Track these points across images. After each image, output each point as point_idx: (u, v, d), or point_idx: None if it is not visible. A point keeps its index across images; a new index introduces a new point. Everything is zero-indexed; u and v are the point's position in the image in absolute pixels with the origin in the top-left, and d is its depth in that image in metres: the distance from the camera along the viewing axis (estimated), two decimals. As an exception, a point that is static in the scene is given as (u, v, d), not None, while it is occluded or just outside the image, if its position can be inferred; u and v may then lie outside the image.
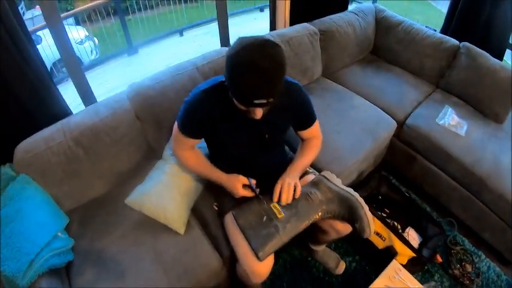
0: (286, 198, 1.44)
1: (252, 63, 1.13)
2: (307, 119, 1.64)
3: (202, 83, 1.48)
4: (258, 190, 1.51)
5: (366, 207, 1.44)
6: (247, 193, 1.51)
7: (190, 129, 1.50)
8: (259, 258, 1.34)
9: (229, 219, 1.57)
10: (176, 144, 1.61)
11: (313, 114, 1.65)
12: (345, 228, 1.59)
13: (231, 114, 1.42)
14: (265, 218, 1.42)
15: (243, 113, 1.35)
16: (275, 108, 1.40)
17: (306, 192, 1.49)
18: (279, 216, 1.42)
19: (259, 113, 1.28)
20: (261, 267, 1.40)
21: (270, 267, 1.44)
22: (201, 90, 1.43)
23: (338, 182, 1.56)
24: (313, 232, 1.87)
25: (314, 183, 1.56)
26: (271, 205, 1.46)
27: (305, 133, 1.68)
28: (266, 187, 1.51)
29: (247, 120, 1.39)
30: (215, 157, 1.72)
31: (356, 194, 1.48)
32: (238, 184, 1.50)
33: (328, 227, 1.64)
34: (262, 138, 1.53)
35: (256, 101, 1.19)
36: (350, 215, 1.45)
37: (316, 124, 1.68)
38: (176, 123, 1.52)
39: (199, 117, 1.44)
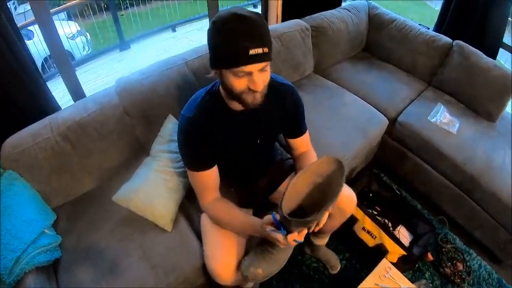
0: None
1: (237, 15, 1.08)
2: (299, 125, 1.58)
3: (185, 108, 1.38)
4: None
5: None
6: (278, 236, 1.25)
7: (199, 159, 1.39)
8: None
9: (205, 216, 1.56)
10: (200, 193, 1.47)
11: (305, 122, 1.60)
12: (348, 205, 1.58)
13: (222, 124, 1.37)
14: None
15: (234, 116, 1.35)
16: (267, 110, 1.38)
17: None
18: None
19: (258, 79, 1.15)
20: (221, 271, 1.40)
21: (231, 273, 1.42)
22: (188, 117, 1.34)
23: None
24: None
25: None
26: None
27: (297, 142, 1.61)
28: (254, 185, 1.46)
29: (240, 127, 1.39)
30: None
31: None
32: (263, 228, 1.30)
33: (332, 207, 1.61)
34: (254, 143, 1.49)
35: (252, 51, 1.07)
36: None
37: (308, 135, 1.63)
38: (187, 169, 1.43)
39: (198, 139, 1.35)
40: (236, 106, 1.33)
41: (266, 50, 1.11)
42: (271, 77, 1.32)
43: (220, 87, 1.32)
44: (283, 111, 1.47)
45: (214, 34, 1.13)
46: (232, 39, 1.08)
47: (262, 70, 1.15)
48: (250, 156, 1.54)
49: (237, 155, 1.49)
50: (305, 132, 1.61)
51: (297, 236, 1.21)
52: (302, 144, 1.62)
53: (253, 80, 1.14)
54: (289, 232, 1.20)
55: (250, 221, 1.38)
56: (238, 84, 1.17)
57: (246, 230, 1.42)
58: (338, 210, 1.59)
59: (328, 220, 1.73)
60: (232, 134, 1.40)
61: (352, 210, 1.63)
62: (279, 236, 1.22)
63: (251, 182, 1.61)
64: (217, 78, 1.27)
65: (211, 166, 1.41)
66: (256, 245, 1.37)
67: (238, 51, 1.09)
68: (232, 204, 1.46)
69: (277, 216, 1.23)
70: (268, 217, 1.30)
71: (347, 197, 1.58)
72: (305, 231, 1.23)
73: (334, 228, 1.84)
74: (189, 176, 1.46)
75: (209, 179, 1.43)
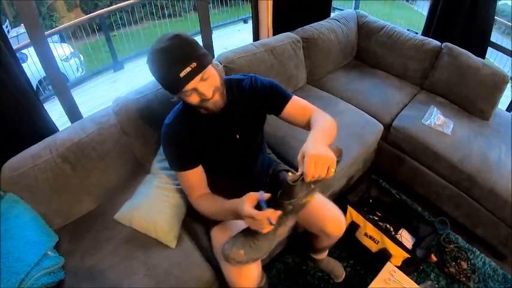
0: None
1: (159, 49, 1.17)
2: (280, 96, 1.50)
3: (166, 118, 1.47)
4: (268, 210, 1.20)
5: None
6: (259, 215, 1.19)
7: (183, 157, 1.43)
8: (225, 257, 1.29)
9: (215, 232, 1.57)
10: (188, 191, 1.52)
11: (285, 91, 1.53)
12: (336, 229, 1.57)
13: (202, 129, 1.43)
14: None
15: (207, 119, 1.41)
16: (236, 106, 1.44)
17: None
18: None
19: (203, 89, 1.22)
20: (244, 282, 1.39)
21: (254, 282, 1.42)
22: (167, 124, 1.44)
23: None
24: (308, 239, 1.85)
25: None
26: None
27: (289, 110, 1.50)
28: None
29: (215, 126, 1.44)
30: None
31: None
32: (245, 205, 1.23)
33: (318, 232, 1.61)
34: (234, 139, 1.51)
35: (182, 74, 1.16)
36: None
37: (297, 98, 1.53)
38: (174, 170, 1.48)
39: (178, 141, 1.42)
40: (206, 110, 1.38)
41: (194, 65, 1.17)
42: (229, 77, 1.46)
43: None
44: (253, 99, 1.49)
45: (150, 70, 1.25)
46: (163, 73, 1.20)
47: (202, 80, 1.22)
48: (234, 153, 1.55)
49: (221, 154, 1.52)
50: (291, 98, 1.51)
51: (271, 214, 1.18)
52: (298, 108, 1.52)
53: (200, 92, 1.23)
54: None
55: (233, 203, 1.32)
56: (192, 100, 1.27)
57: (229, 215, 1.38)
58: (325, 235, 1.61)
59: (317, 241, 1.75)
60: (210, 134, 1.45)
61: (340, 233, 1.60)
62: (253, 211, 1.20)
63: (245, 190, 1.58)
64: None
65: (194, 166, 1.45)
66: (241, 231, 1.34)
67: (171, 80, 1.20)
68: (218, 196, 1.47)
69: (264, 196, 1.23)
70: (252, 193, 1.26)
71: (333, 220, 1.57)
72: (278, 213, 1.19)
73: (328, 247, 1.86)
74: (177, 177, 1.53)
75: (194, 177, 1.47)
